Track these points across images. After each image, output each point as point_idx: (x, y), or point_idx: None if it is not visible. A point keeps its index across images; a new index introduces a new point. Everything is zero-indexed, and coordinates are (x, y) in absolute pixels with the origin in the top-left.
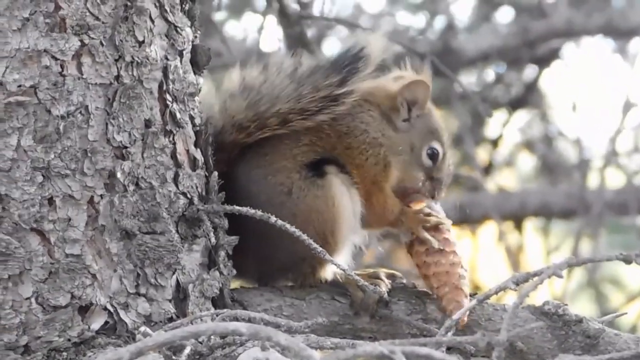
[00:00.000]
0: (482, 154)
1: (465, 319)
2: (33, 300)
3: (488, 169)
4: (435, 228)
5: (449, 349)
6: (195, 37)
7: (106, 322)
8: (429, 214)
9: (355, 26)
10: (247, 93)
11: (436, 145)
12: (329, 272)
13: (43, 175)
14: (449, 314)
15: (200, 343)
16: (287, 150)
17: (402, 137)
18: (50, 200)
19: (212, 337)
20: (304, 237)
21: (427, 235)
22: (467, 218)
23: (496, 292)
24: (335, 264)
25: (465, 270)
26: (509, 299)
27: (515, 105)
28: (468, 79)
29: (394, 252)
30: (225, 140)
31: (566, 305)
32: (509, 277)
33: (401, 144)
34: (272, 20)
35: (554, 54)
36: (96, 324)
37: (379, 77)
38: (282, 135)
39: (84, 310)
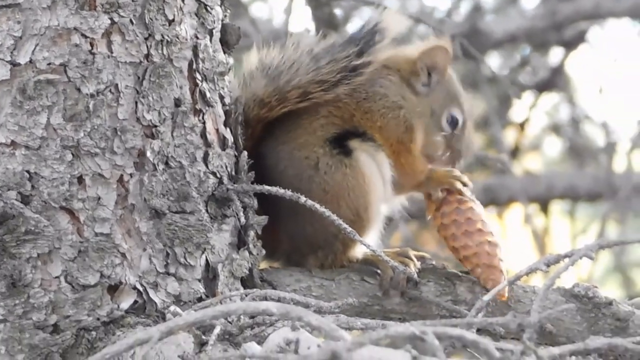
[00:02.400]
0: (508, 137)
1: (506, 294)
2: (62, 279)
3: (515, 152)
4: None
5: (478, 331)
6: (225, 16)
7: (135, 302)
8: (456, 176)
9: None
10: (266, 70)
11: (456, 112)
12: (359, 252)
13: (72, 154)
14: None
15: (230, 323)
16: (307, 125)
17: (422, 101)
18: (80, 179)
19: (241, 317)
20: (334, 217)
21: (459, 185)
22: (493, 200)
23: (527, 274)
24: (365, 244)
25: (496, 245)
26: (537, 281)
27: (541, 88)
28: (494, 62)
29: (420, 234)
30: (247, 116)
31: (596, 287)
32: (539, 259)
33: (421, 107)
34: (300, 0)
35: (580, 37)
36: (125, 303)
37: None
38: (301, 111)
39: (113, 289)
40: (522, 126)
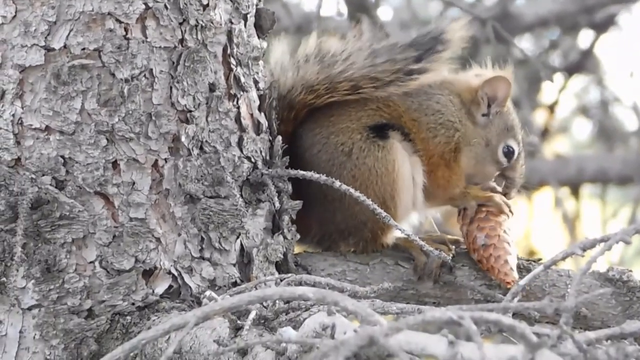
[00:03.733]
0: (538, 120)
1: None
2: (97, 264)
3: (544, 135)
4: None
5: (513, 315)
6: (259, 0)
7: (170, 286)
8: (492, 189)
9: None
10: (322, 57)
11: (513, 143)
12: (390, 238)
13: (107, 139)
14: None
15: (265, 308)
16: (353, 113)
17: (479, 131)
18: (115, 164)
19: (277, 301)
20: (368, 201)
21: (498, 198)
22: (524, 184)
23: (563, 258)
24: (400, 228)
25: (510, 253)
26: (568, 264)
27: (571, 70)
28: (524, 45)
29: (450, 217)
30: (293, 99)
31: (631, 271)
32: (575, 243)
33: (477, 137)
34: None
35: (610, 20)
36: (160, 288)
37: (459, 70)
38: (349, 100)
39: (148, 274)
40: (551, 108)
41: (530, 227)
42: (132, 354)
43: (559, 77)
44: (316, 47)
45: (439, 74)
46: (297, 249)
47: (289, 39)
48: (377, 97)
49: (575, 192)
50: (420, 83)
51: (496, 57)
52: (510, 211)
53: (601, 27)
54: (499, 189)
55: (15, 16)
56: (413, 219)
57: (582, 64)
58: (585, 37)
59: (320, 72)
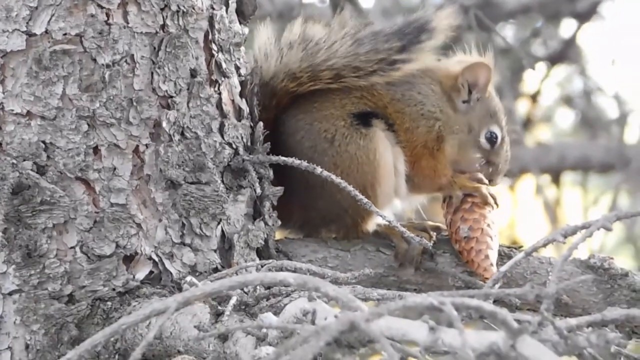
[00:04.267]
0: (520, 109)
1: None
2: (78, 249)
3: (527, 124)
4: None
5: (494, 302)
6: None
7: (151, 272)
8: (479, 180)
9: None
10: (306, 44)
11: (495, 129)
12: (371, 225)
13: (88, 124)
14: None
15: (246, 293)
16: (337, 100)
17: (461, 118)
18: (96, 149)
19: (257, 287)
20: (349, 187)
21: (485, 190)
22: (505, 172)
23: (544, 245)
24: (381, 215)
25: (491, 247)
26: (549, 252)
27: (553, 60)
28: (506, 34)
29: (432, 205)
30: (276, 87)
31: (612, 258)
32: (556, 230)
33: (459, 124)
34: None
35: (593, 9)
36: (141, 274)
37: (441, 58)
38: (333, 88)
39: (129, 259)
40: (533, 98)
41: (513, 216)
42: (112, 339)
43: (541, 66)
44: (300, 34)
45: (423, 62)
46: (278, 235)
47: (274, 25)
48: (361, 86)
49: (556, 179)
50: (403, 72)
51: (478, 45)
52: (496, 203)
53: (584, 17)
54: (486, 180)
55: None
56: (396, 206)
57: (564, 53)
58: (567, 27)
59: (303, 60)
